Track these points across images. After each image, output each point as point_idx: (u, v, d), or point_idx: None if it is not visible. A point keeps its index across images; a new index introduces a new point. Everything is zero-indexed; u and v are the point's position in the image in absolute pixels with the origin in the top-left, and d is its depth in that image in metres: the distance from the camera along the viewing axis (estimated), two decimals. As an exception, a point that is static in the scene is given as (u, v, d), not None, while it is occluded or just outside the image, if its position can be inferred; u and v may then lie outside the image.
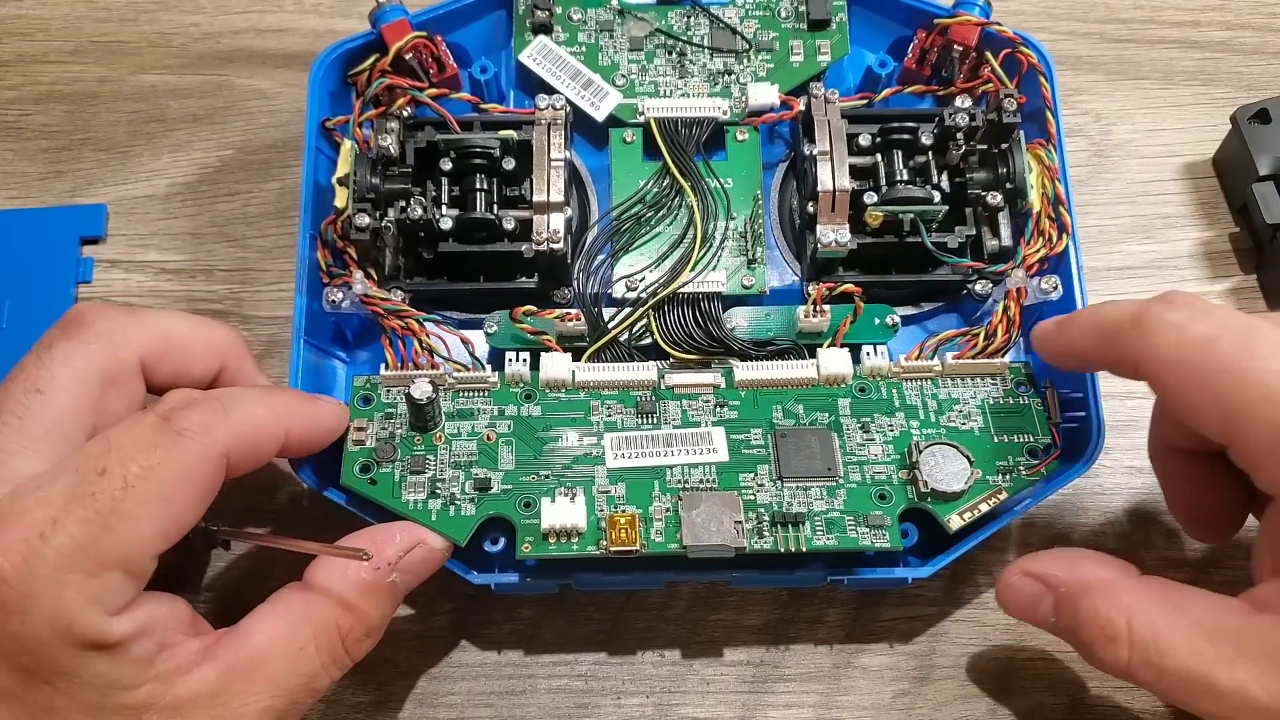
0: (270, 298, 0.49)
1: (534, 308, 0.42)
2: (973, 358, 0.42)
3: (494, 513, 0.38)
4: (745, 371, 0.41)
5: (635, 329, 0.43)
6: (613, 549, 0.37)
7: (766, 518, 0.38)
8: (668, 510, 0.38)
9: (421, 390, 0.38)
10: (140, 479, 0.31)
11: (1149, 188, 0.52)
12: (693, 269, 0.43)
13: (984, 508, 0.39)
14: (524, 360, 0.41)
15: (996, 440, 0.40)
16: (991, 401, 0.41)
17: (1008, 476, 0.39)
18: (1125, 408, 0.47)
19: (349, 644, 0.34)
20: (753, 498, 0.38)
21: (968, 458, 0.39)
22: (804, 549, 0.37)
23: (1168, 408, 0.33)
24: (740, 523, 0.37)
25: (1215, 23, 0.55)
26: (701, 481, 0.39)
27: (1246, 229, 0.50)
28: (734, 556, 0.37)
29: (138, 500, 0.31)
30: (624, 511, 0.38)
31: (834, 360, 0.41)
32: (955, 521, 0.38)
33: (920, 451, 0.39)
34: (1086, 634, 0.33)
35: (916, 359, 0.42)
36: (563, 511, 0.37)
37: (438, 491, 0.39)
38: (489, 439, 0.40)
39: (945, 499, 0.39)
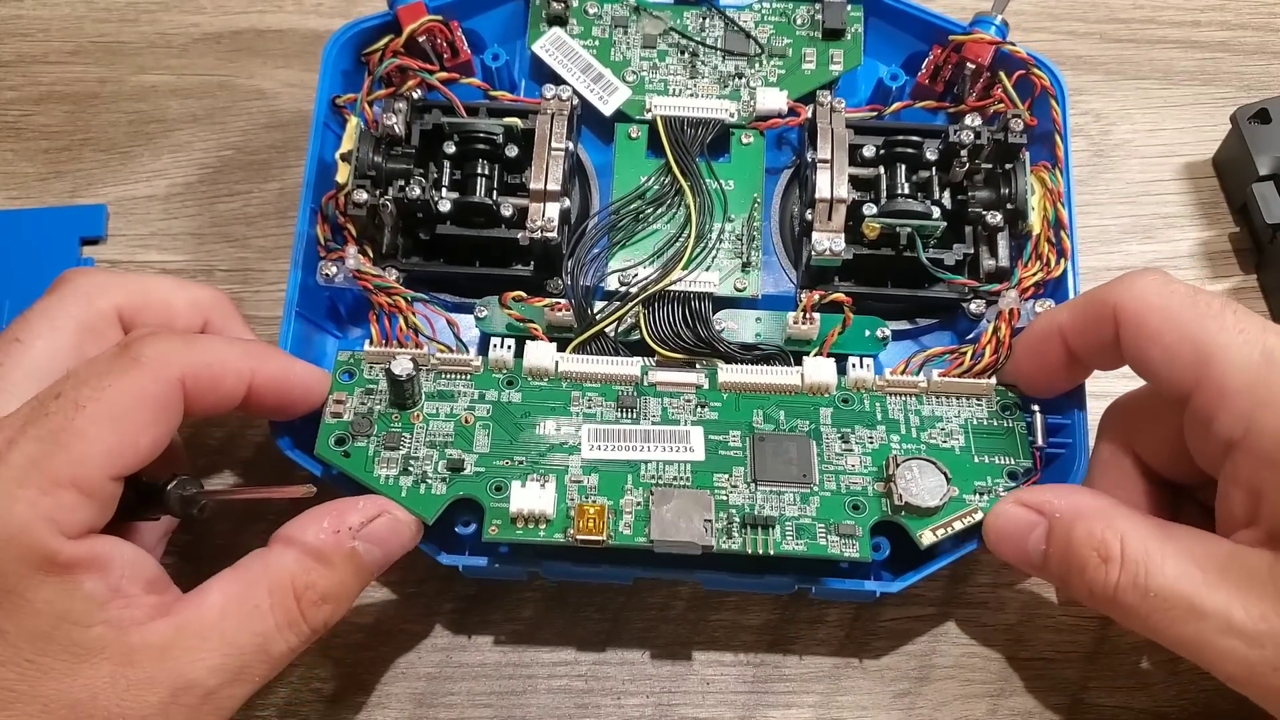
0: (270, 298, 0.49)
1: (523, 294, 0.42)
2: (959, 375, 0.41)
3: (464, 494, 0.38)
4: (729, 374, 0.41)
5: (624, 325, 0.43)
6: (579, 537, 0.36)
7: (737, 519, 0.38)
8: (638, 504, 0.38)
9: (402, 367, 0.38)
10: (91, 399, 0.32)
11: (1149, 188, 0.52)
12: (685, 267, 0.43)
13: (958, 525, 0.38)
14: (509, 347, 0.41)
15: (977, 460, 0.40)
16: (975, 422, 0.40)
17: (985, 497, 0.39)
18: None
19: (305, 606, 0.34)
20: (725, 498, 0.38)
21: (945, 474, 0.38)
22: (772, 552, 0.37)
23: (1136, 349, 0.35)
24: (710, 521, 0.37)
25: (1215, 23, 0.55)
26: (676, 479, 0.39)
27: (1246, 229, 0.50)
28: (701, 554, 0.37)
29: (88, 419, 0.31)
30: (594, 502, 0.38)
31: (818, 369, 0.41)
32: (927, 537, 0.38)
33: (898, 465, 0.38)
34: (1080, 556, 0.34)
35: (902, 373, 0.42)
36: (532, 496, 0.37)
37: (410, 469, 0.38)
38: (466, 421, 0.39)
39: (919, 514, 0.38)
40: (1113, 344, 0.35)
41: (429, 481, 0.38)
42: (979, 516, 0.38)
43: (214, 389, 0.35)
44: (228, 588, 0.34)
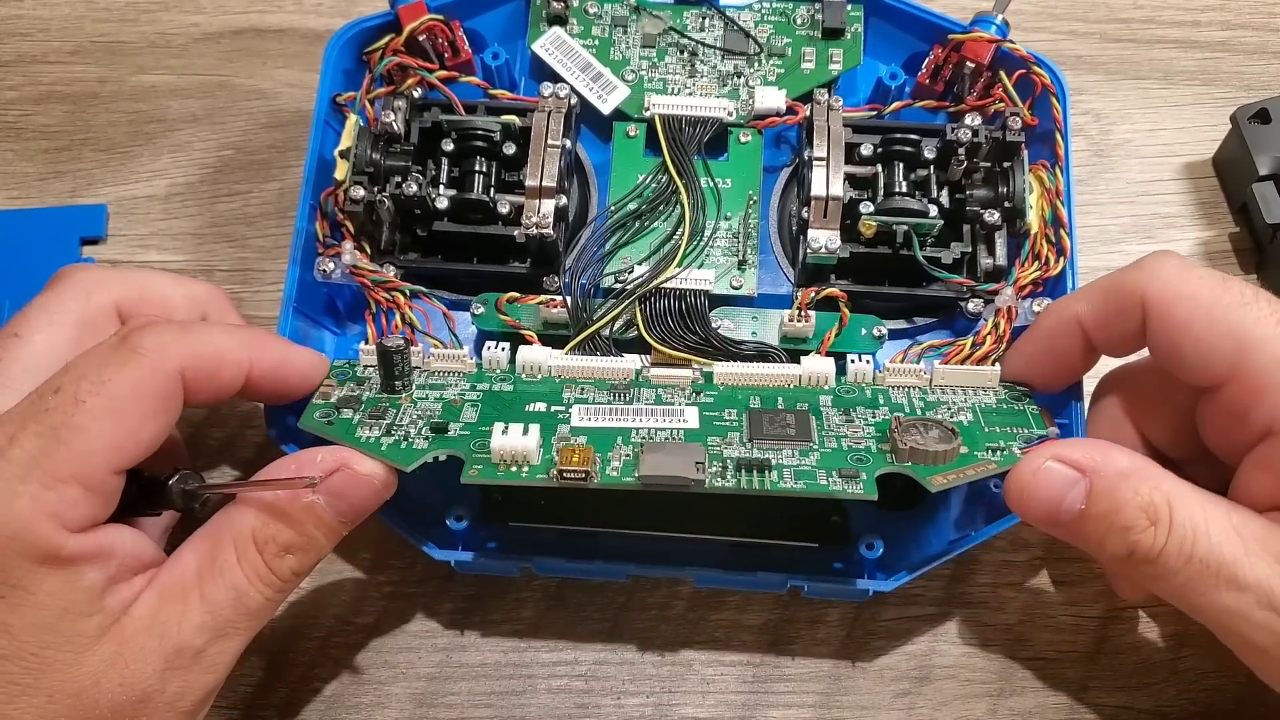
0: (270, 298, 0.49)
1: (517, 294, 0.42)
2: (959, 363, 0.41)
3: (447, 450, 0.36)
4: (725, 368, 0.41)
5: (620, 322, 0.42)
6: (563, 469, 0.34)
7: (731, 466, 0.35)
8: (628, 455, 0.36)
9: (394, 340, 0.38)
10: (91, 394, 0.31)
11: (1149, 188, 0.52)
12: (678, 265, 0.43)
13: (970, 474, 0.35)
14: (503, 348, 0.41)
15: (987, 430, 0.38)
16: (983, 406, 0.39)
17: (998, 453, 0.36)
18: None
19: (268, 558, 0.34)
20: (720, 452, 0.36)
21: (953, 431, 0.36)
22: (770, 489, 0.34)
23: (1166, 339, 0.34)
24: (701, 463, 0.35)
25: (1215, 23, 0.55)
26: (668, 440, 0.37)
27: (1246, 229, 0.50)
28: (690, 491, 0.35)
29: (89, 414, 0.31)
30: (580, 444, 0.36)
31: (817, 364, 0.40)
32: (938, 481, 0.35)
33: (902, 424, 0.36)
34: (1126, 516, 0.33)
35: (901, 362, 0.41)
36: (515, 437, 0.35)
37: (393, 432, 0.37)
38: (455, 403, 0.39)
39: (927, 460, 0.35)
40: (1137, 333, 0.35)
41: (411, 440, 0.37)
42: (993, 469, 0.36)
43: (213, 379, 0.35)
44: (199, 547, 0.34)
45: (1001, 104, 0.45)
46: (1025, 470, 0.34)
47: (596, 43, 0.47)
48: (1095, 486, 0.33)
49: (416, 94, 0.45)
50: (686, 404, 0.39)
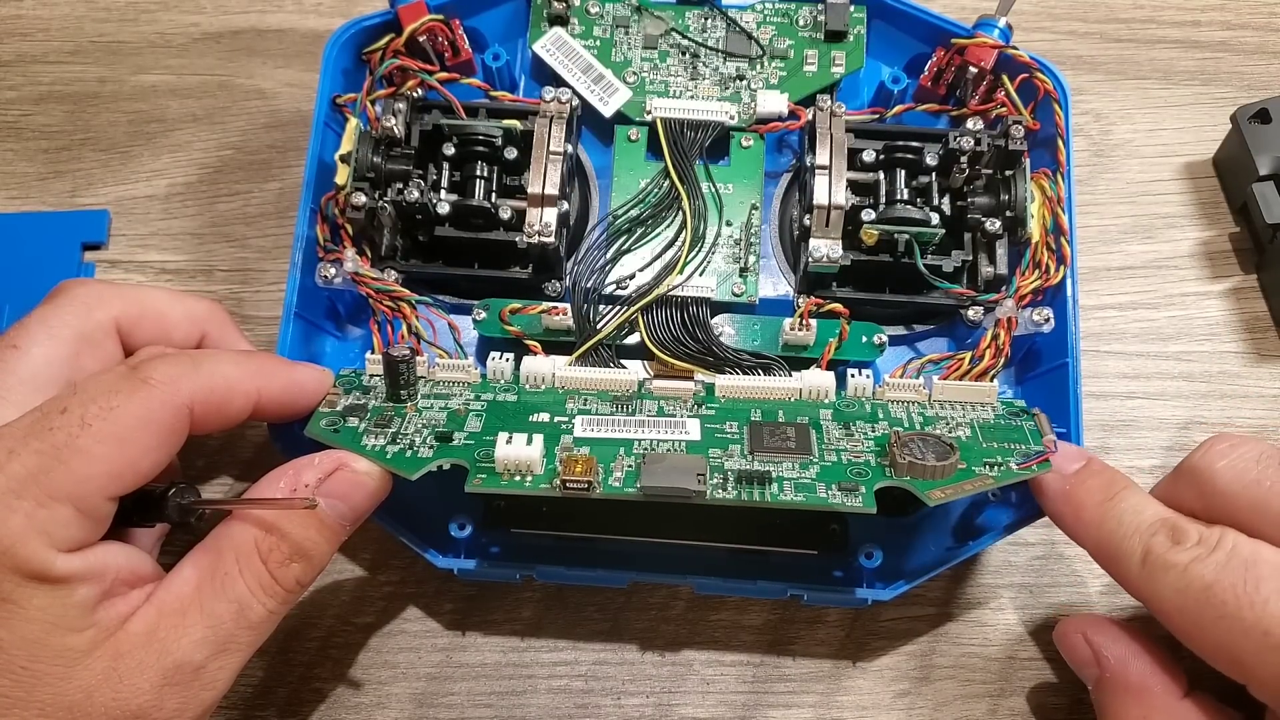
0: (270, 298, 0.49)
1: (519, 305, 0.42)
2: (958, 379, 0.41)
3: (451, 459, 0.36)
4: (726, 381, 0.41)
5: (623, 330, 0.42)
6: (565, 480, 0.34)
7: (732, 478, 0.36)
8: (629, 466, 0.36)
9: (400, 350, 0.38)
10: (98, 419, 0.31)
11: (1149, 188, 0.52)
12: (680, 273, 0.43)
13: (969, 489, 0.36)
14: (507, 359, 0.41)
15: (985, 446, 0.38)
16: (981, 422, 0.39)
17: (996, 468, 0.37)
18: (1126, 408, 0.47)
19: (272, 566, 0.34)
20: (721, 464, 0.36)
21: (951, 445, 0.36)
22: (769, 501, 0.35)
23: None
24: (703, 475, 0.35)
25: (1215, 23, 0.55)
26: (669, 451, 0.37)
27: (1246, 229, 0.50)
28: (692, 501, 0.35)
29: (93, 438, 0.31)
30: (583, 453, 0.36)
31: (817, 378, 0.40)
32: (937, 496, 0.35)
33: (901, 439, 0.36)
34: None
35: (900, 377, 0.41)
36: (519, 447, 0.35)
37: (398, 440, 0.37)
38: (460, 412, 0.39)
39: (926, 474, 0.36)
40: None
41: (416, 448, 0.37)
42: (991, 483, 0.36)
43: (221, 411, 0.35)
44: (199, 561, 0.34)
45: (1004, 109, 0.45)
46: (1063, 629, 0.39)
47: (598, 44, 0.47)
48: (1099, 680, 0.38)
49: (417, 94, 0.45)
50: (688, 416, 0.39)
